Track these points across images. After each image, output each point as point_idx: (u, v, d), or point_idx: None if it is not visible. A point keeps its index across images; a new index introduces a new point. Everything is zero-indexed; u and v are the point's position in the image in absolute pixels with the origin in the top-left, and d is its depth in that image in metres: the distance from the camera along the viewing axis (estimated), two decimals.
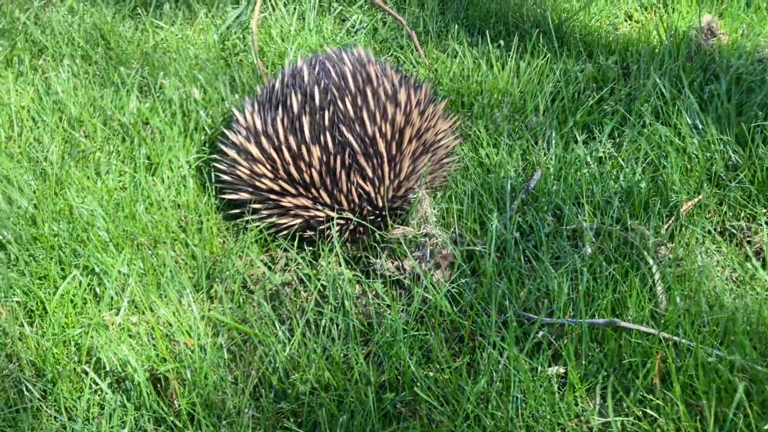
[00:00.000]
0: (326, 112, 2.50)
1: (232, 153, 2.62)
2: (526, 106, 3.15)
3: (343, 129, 2.48)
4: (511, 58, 3.34)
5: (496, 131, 3.02)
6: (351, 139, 2.47)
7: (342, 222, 2.49)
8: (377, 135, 2.47)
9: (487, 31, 3.55)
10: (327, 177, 2.45)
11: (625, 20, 3.90)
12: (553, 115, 3.09)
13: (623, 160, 2.83)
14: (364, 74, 2.64)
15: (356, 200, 2.48)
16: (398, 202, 2.54)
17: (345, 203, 2.47)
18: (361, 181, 2.47)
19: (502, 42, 3.47)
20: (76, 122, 3.10)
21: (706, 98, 3.09)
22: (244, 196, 2.58)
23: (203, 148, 2.96)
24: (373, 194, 2.48)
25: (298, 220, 2.52)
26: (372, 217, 2.52)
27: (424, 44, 3.63)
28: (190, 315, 2.28)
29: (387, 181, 2.48)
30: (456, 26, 3.64)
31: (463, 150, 2.87)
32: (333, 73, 2.61)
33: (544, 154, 2.89)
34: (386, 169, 2.47)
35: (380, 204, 2.50)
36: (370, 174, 2.47)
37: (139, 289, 2.35)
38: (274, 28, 3.71)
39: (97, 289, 2.39)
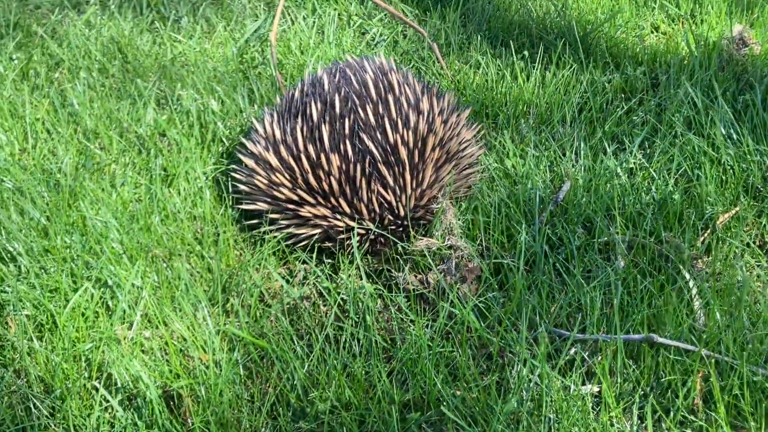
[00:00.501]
0: (346, 120, 2.42)
1: (250, 162, 2.54)
2: (552, 116, 3.05)
3: (364, 137, 2.39)
4: (536, 68, 3.25)
5: (522, 142, 2.92)
6: (372, 147, 2.38)
7: (362, 232, 2.39)
8: (399, 143, 2.38)
9: (510, 43, 3.46)
10: (347, 186, 2.36)
11: (652, 32, 3.80)
12: (580, 126, 2.99)
13: (655, 171, 2.71)
14: (386, 82, 2.55)
15: (377, 209, 2.38)
16: (420, 211, 2.45)
17: (365, 212, 2.38)
18: (381, 190, 2.37)
19: (526, 53, 3.38)
20: (91, 134, 3.04)
21: (740, 108, 2.98)
22: (262, 206, 2.49)
23: (221, 159, 2.89)
24: (394, 203, 2.39)
25: (317, 231, 2.42)
26: (393, 228, 2.43)
27: (445, 56, 3.55)
28: (205, 329, 2.19)
29: (409, 190, 2.39)
30: (478, 38, 3.56)
31: (488, 160, 2.77)
32: (354, 81, 2.53)
33: (573, 166, 2.79)
34: (408, 177, 2.38)
35: (402, 213, 2.40)
36: (391, 182, 2.37)
37: (153, 302, 2.26)
38: (293, 41, 3.64)
39: (110, 303, 2.30)
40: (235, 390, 2.06)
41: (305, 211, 2.40)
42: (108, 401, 2.05)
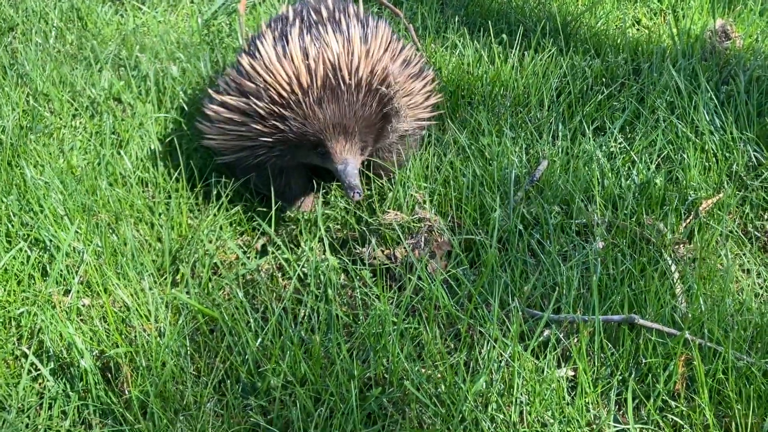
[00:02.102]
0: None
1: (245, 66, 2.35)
2: (530, 99, 2.92)
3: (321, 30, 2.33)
4: (515, 52, 3.12)
5: (497, 122, 2.79)
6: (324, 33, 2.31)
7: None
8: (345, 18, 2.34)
9: (488, 27, 3.34)
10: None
11: (633, 25, 3.71)
12: (558, 109, 2.86)
13: (636, 154, 2.59)
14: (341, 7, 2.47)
15: (322, 72, 2.23)
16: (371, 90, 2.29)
17: (312, 75, 2.22)
18: (329, 53, 2.24)
19: (504, 37, 3.26)
20: (41, 97, 2.84)
21: (723, 99, 2.88)
22: (217, 138, 2.32)
23: (181, 126, 2.70)
24: (345, 61, 2.24)
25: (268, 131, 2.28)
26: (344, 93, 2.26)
27: (421, 38, 3.42)
28: (150, 298, 2.00)
29: (359, 49, 2.26)
30: (456, 21, 3.43)
31: (461, 137, 2.62)
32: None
33: (550, 148, 2.66)
34: (357, 40, 2.27)
35: (348, 78, 2.24)
36: (338, 43, 2.26)
37: (95, 268, 2.07)
38: (264, 16, 3.48)
39: (48, 267, 2.11)
40: (180, 362, 1.88)
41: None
42: (38, 369, 1.86)
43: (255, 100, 2.24)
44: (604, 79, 3.08)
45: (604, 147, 2.64)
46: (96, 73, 2.93)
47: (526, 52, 3.15)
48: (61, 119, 2.76)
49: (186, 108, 2.77)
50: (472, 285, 2.09)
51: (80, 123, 2.72)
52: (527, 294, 2.11)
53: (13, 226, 2.14)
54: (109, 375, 1.88)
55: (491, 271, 2.09)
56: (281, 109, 2.23)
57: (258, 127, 2.25)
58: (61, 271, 2.05)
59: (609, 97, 2.96)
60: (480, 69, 3.08)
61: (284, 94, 2.23)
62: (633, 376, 1.89)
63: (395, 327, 1.91)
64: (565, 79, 3.03)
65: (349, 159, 2.24)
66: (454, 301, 2.05)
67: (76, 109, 2.81)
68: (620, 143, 2.67)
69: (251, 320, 1.97)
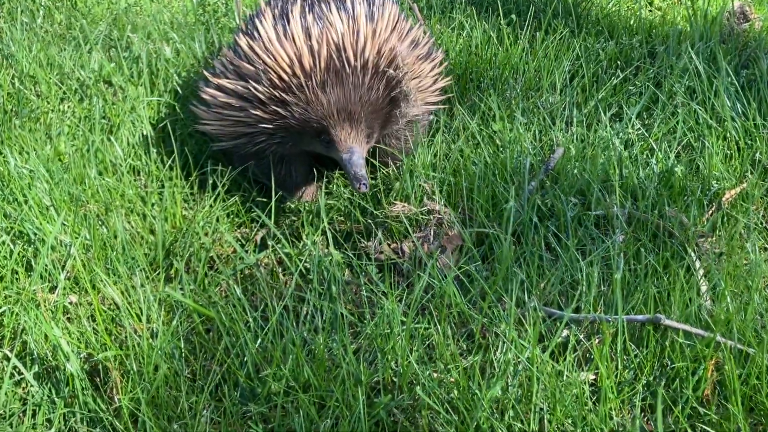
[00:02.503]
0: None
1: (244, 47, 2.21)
2: (541, 83, 2.79)
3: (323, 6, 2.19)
4: (525, 33, 2.98)
5: (508, 106, 2.65)
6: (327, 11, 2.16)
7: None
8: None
9: (497, 7, 3.19)
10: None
11: (646, 5, 3.56)
12: (572, 93, 2.73)
13: (655, 142, 2.46)
14: None
15: (325, 54, 2.09)
16: (378, 73, 2.15)
17: (315, 57, 2.08)
18: (332, 33, 2.10)
19: (513, 17, 3.11)
20: (27, 79, 2.69)
21: (743, 83, 2.74)
22: (213, 124, 2.18)
23: (174, 111, 2.56)
24: (350, 41, 2.10)
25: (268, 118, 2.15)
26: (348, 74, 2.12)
27: (427, 19, 3.27)
28: (142, 296, 1.87)
29: (365, 29, 2.12)
30: (462, 1, 3.29)
31: (471, 123, 2.49)
32: None
33: (564, 134, 2.52)
34: (362, 19, 2.12)
35: (353, 60, 2.10)
36: (343, 22, 2.12)
37: (83, 262, 1.94)
38: None
39: (32, 262, 1.97)
40: (174, 365, 1.75)
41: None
42: (21, 374, 1.73)
43: (254, 84, 2.10)
44: (618, 62, 2.94)
45: (621, 134, 2.51)
46: (85, 54, 2.78)
47: (536, 33, 3.01)
48: (48, 103, 2.62)
49: (180, 91, 2.63)
50: (486, 282, 1.96)
51: (68, 107, 2.58)
52: (544, 291, 1.98)
53: None
54: (98, 380, 1.75)
55: (506, 266, 1.96)
56: (282, 94, 2.09)
57: (257, 113, 2.12)
58: (47, 266, 1.92)
59: (624, 81, 2.83)
60: (489, 51, 2.94)
61: (285, 77, 2.09)
62: (658, 380, 1.77)
63: (404, 327, 1.79)
64: (577, 62, 2.90)
65: (354, 147, 2.10)
66: (466, 299, 1.92)
67: (64, 92, 2.67)
68: (638, 130, 2.53)
69: (250, 320, 1.84)
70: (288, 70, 2.08)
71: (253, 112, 2.11)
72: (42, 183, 2.10)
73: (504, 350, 1.78)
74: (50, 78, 2.66)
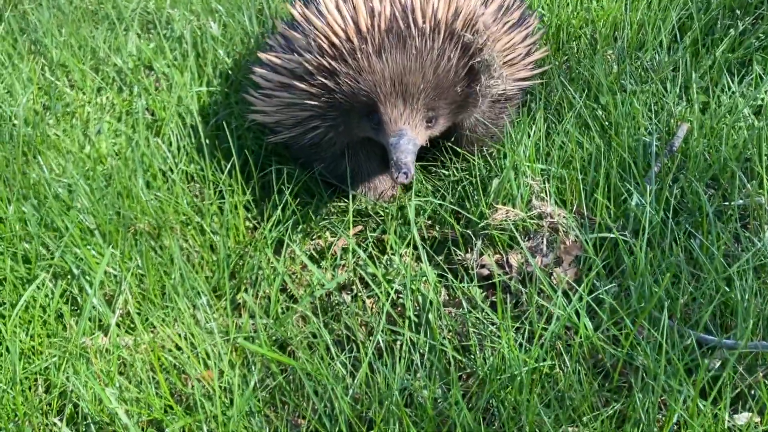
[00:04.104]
0: None
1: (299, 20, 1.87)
2: (646, 40, 2.38)
3: None
4: None
5: (615, 71, 2.26)
6: None
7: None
8: None
9: None
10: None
11: None
12: (684, 52, 2.32)
13: None
14: None
15: (388, 13, 1.74)
16: (453, 37, 1.78)
17: (375, 18, 1.73)
18: None
19: None
20: (58, 68, 2.38)
21: None
22: (266, 110, 1.85)
23: (227, 100, 2.23)
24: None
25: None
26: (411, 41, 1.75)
27: None
28: (207, 335, 1.58)
29: None
30: None
31: (576, 96, 2.11)
32: None
33: (683, 106, 2.13)
34: None
35: (420, 20, 1.75)
36: None
37: (136, 299, 1.65)
38: None
39: (79, 299, 1.69)
40: (253, 426, 1.46)
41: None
42: None
43: (303, 55, 1.76)
44: (735, 11, 2.51)
45: (751, 99, 2.11)
46: (121, 35, 2.45)
47: None
48: (84, 95, 2.31)
49: (231, 75, 2.29)
50: (616, 300, 1.61)
51: (107, 99, 2.26)
52: (683, 310, 1.64)
53: (31, 248, 1.71)
54: None
55: (641, 281, 1.61)
56: (332, 62, 1.73)
57: (303, 86, 1.77)
58: (95, 306, 1.63)
59: (742, 33, 2.40)
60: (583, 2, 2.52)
61: (337, 42, 1.73)
62: None
63: (525, 369, 1.46)
64: (686, 11, 2.47)
65: (405, 130, 1.73)
66: (593, 324, 1.59)
67: (102, 80, 2.35)
68: None
69: (337, 363, 1.54)
70: (341, 33, 1.73)
71: (299, 85, 1.77)
72: (83, 199, 1.80)
73: (650, 396, 1.45)
74: (83, 65, 2.34)
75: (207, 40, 2.35)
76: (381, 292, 1.67)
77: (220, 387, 1.49)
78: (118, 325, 1.66)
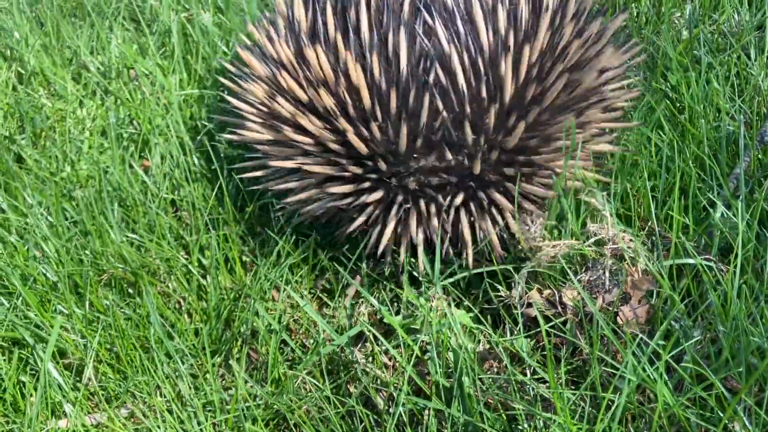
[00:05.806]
0: None
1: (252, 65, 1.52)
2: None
3: (437, 26, 1.38)
4: None
5: (680, 41, 1.85)
6: (446, 45, 1.36)
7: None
8: (498, 47, 1.36)
9: None
10: (392, 101, 1.36)
11: None
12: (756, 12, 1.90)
13: None
14: None
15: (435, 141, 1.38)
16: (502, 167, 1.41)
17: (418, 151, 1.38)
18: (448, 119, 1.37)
19: None
20: (34, 77, 2.09)
21: None
22: (252, 134, 1.49)
23: (220, 100, 1.91)
24: (470, 143, 1.38)
25: (322, 204, 1.45)
26: (460, 197, 1.41)
27: None
28: (194, 415, 1.28)
29: (493, 117, 1.36)
30: None
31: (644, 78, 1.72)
32: None
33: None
34: (507, 94, 1.35)
35: (475, 169, 1.38)
36: (469, 111, 1.36)
37: (108, 362, 1.36)
38: None
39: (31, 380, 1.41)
40: None
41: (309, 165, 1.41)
42: None
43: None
44: None
45: None
46: (104, 36, 2.13)
47: None
48: (65, 103, 2.02)
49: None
50: (699, 354, 1.25)
51: (88, 112, 1.97)
52: None
53: None
54: None
55: (732, 326, 1.25)
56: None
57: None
58: (51, 383, 1.34)
59: None
60: None
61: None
62: None
63: None
64: None
65: None
66: (672, 381, 1.23)
67: (84, 85, 2.06)
68: None
69: None
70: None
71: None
72: (47, 244, 1.51)
73: None
74: (62, 72, 2.04)
75: (198, 34, 2.01)
76: (400, 354, 1.34)
77: None
78: (88, 398, 1.38)
